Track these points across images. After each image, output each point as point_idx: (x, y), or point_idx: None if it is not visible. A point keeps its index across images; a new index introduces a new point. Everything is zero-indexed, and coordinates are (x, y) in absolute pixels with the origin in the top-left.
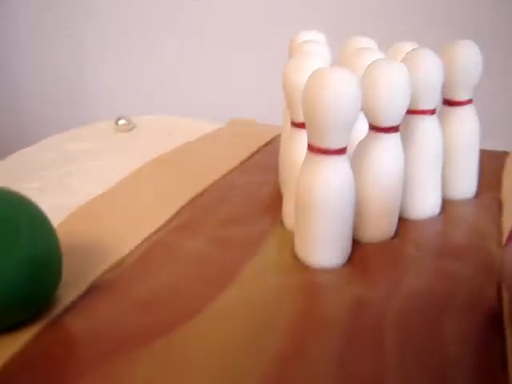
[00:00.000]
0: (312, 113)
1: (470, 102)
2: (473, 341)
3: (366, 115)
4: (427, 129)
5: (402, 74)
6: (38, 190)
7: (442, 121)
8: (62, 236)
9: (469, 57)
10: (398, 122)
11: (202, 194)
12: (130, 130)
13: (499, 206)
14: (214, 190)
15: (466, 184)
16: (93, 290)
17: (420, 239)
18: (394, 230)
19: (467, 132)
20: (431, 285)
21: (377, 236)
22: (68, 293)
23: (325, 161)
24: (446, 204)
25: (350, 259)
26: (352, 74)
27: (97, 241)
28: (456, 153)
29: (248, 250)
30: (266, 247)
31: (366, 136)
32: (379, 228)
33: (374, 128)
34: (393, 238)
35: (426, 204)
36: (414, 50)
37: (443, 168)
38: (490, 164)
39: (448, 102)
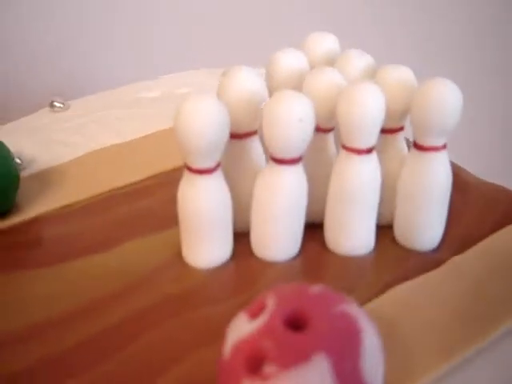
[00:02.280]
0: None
1: (435, 149)
2: None
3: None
4: (353, 169)
5: (292, 108)
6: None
7: (407, 164)
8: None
9: (438, 99)
10: (293, 156)
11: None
12: None
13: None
14: None
15: (418, 237)
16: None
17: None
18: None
19: (425, 183)
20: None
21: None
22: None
23: (195, 179)
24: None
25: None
26: (216, 108)
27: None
28: (411, 202)
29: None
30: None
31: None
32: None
33: (272, 159)
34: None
35: (339, 244)
36: (353, 84)
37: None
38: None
39: (414, 145)
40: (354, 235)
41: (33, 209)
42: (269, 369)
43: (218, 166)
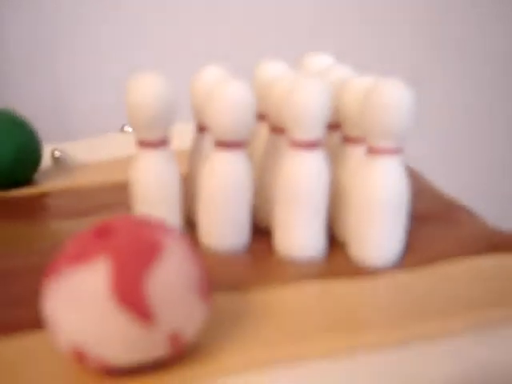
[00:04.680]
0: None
1: (384, 151)
2: None
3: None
4: (290, 162)
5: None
6: None
7: (359, 171)
8: None
9: (392, 100)
10: (232, 138)
11: None
12: None
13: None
14: None
15: (364, 250)
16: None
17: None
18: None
19: (371, 187)
20: None
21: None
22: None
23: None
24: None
25: None
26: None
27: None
28: (362, 209)
29: None
30: None
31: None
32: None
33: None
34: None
35: (285, 244)
36: (297, 78)
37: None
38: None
39: (367, 150)
40: (288, 235)
41: (46, 185)
42: (60, 266)
43: (163, 142)
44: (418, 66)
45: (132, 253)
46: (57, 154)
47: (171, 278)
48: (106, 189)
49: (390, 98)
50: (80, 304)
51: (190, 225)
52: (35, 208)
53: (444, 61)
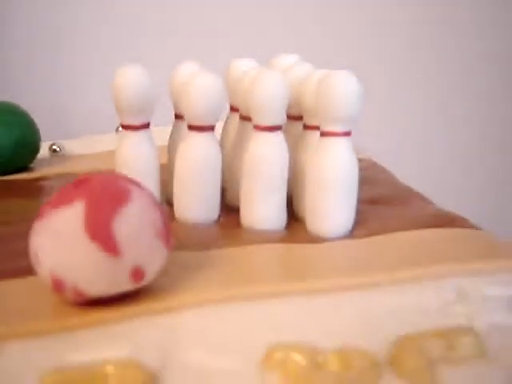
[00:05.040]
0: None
1: (333, 134)
2: None
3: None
4: (256, 145)
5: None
6: None
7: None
8: None
9: (338, 88)
10: (202, 122)
11: None
12: None
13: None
14: None
15: (317, 222)
16: None
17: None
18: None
19: (322, 166)
20: None
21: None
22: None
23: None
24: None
25: None
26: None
27: None
28: (316, 186)
29: None
30: None
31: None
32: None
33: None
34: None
35: (249, 218)
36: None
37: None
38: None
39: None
40: (252, 209)
41: (43, 171)
42: (44, 209)
43: (143, 126)
44: (417, 66)
45: (104, 197)
46: (54, 147)
47: (136, 221)
48: None
49: (335, 86)
50: (58, 239)
51: (168, 204)
52: (32, 189)
53: (444, 61)
